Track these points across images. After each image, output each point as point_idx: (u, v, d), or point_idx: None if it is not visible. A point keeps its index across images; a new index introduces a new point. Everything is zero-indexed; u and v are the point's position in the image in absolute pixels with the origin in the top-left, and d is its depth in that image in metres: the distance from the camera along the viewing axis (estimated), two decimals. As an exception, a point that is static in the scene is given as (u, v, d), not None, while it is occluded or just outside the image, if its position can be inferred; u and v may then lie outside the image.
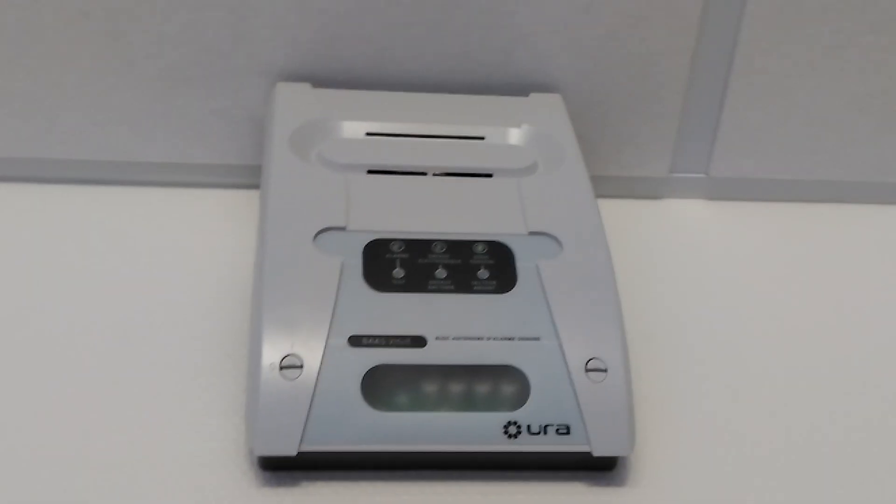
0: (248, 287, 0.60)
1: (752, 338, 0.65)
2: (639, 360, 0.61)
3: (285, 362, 0.52)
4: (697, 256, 0.72)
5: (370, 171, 0.62)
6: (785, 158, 0.75)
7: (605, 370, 0.53)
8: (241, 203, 0.70)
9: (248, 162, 0.71)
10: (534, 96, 0.70)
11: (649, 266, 0.70)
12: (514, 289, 0.56)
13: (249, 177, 0.70)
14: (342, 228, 0.58)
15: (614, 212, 0.73)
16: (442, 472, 0.54)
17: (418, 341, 0.53)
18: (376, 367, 0.52)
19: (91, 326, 0.61)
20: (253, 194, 0.67)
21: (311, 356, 0.52)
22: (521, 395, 0.53)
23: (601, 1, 0.68)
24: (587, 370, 0.53)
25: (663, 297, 0.68)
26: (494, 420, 0.52)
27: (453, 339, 0.54)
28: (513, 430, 0.52)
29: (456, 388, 0.53)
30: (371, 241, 0.57)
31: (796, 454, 0.57)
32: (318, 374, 0.52)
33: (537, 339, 0.54)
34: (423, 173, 0.63)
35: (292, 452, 0.51)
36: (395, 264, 0.56)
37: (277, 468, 0.53)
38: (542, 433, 0.52)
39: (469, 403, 0.53)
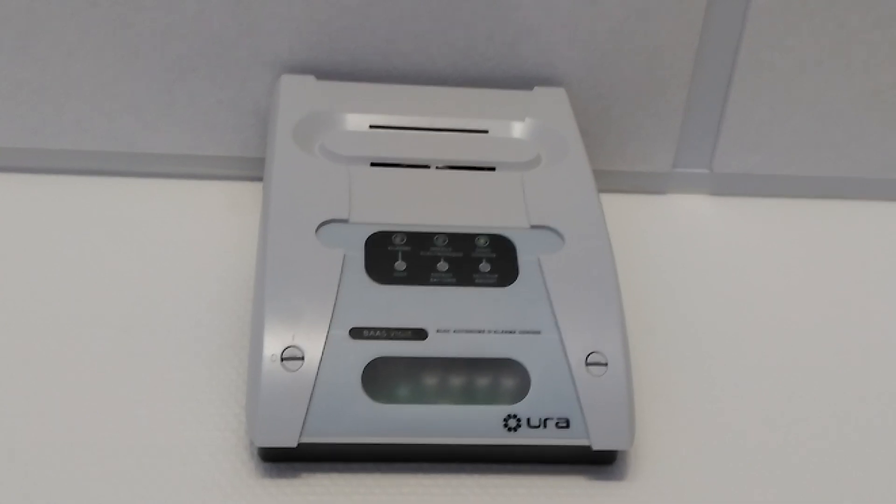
0: (252, 279, 0.60)
1: (754, 333, 0.65)
2: (640, 355, 0.61)
3: (286, 354, 0.52)
4: (700, 252, 0.72)
5: (373, 164, 0.62)
6: (789, 154, 0.75)
7: (606, 364, 0.54)
8: (245, 194, 0.70)
9: (252, 154, 0.71)
10: (538, 90, 0.70)
11: (652, 261, 0.70)
12: (515, 282, 0.56)
13: (254, 169, 0.70)
14: (345, 221, 0.58)
15: (618, 206, 0.73)
16: (441, 464, 0.54)
17: (419, 334, 0.54)
18: (377, 359, 0.53)
19: (95, 316, 0.61)
20: (257, 186, 0.68)
21: (313, 348, 0.52)
22: (522, 388, 0.53)
23: (606, -5, 0.68)
24: (587, 364, 0.54)
25: (666, 291, 0.68)
26: (494, 413, 0.52)
27: (454, 331, 0.54)
28: (512, 423, 0.52)
29: (456, 380, 0.53)
30: (373, 234, 0.57)
31: (796, 449, 0.57)
32: (319, 365, 0.52)
33: (538, 332, 0.54)
34: (427, 166, 0.63)
35: (293, 444, 0.51)
36: (396, 257, 0.56)
37: (278, 459, 0.53)
38: (541, 426, 0.52)
39: (469, 396, 0.53)
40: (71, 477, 0.52)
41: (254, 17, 0.67)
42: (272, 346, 0.52)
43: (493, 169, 0.63)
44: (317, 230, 0.57)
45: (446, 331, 0.54)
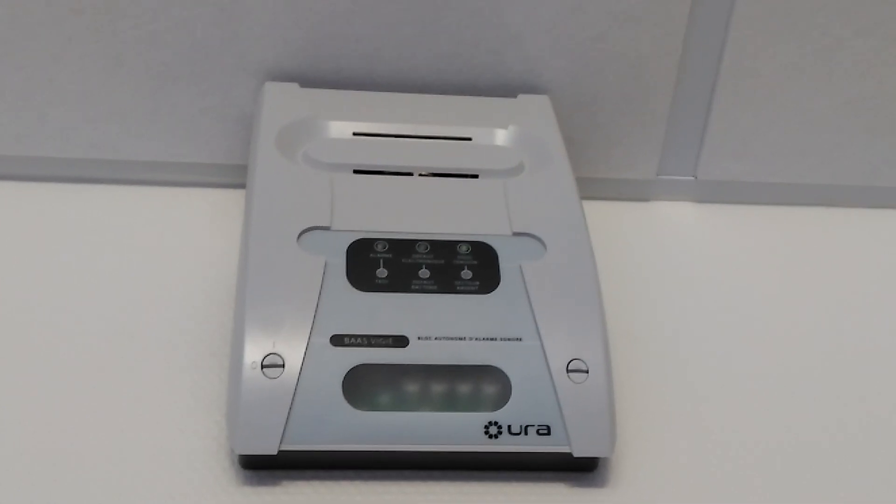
0: (234, 286, 0.60)
1: (737, 340, 0.65)
2: (623, 362, 0.62)
3: (267, 361, 0.52)
4: (685, 259, 0.72)
5: (356, 171, 0.62)
6: (773, 161, 0.75)
7: (587, 371, 0.54)
8: (229, 202, 0.70)
9: (236, 161, 0.71)
10: (522, 97, 0.70)
11: (636, 268, 0.70)
12: (497, 289, 0.56)
13: (238, 176, 0.70)
14: (326, 228, 0.58)
15: (602, 213, 0.73)
16: (423, 471, 0.54)
17: (400, 341, 0.54)
18: (358, 366, 0.53)
19: (76, 323, 0.61)
20: (241, 193, 0.67)
21: (293, 355, 0.52)
22: (503, 395, 0.53)
23: (590, 3, 0.68)
24: (568, 371, 0.54)
25: (650, 299, 0.68)
26: (475, 420, 0.52)
27: (435, 339, 0.54)
28: (493, 430, 0.52)
29: (437, 388, 0.53)
30: (355, 241, 0.57)
31: (777, 456, 0.57)
32: (300, 373, 0.52)
33: (519, 339, 0.54)
34: (409, 174, 0.63)
35: (273, 451, 0.51)
36: (378, 264, 0.56)
37: (258, 467, 0.53)
38: (522, 433, 0.52)
39: (450, 403, 0.53)
40: (51, 483, 0.52)
41: (238, 25, 0.67)
42: (252, 353, 0.52)
43: (476, 176, 0.63)
44: (298, 237, 0.57)
45: (427, 338, 0.54)
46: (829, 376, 0.63)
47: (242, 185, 0.67)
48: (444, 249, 0.58)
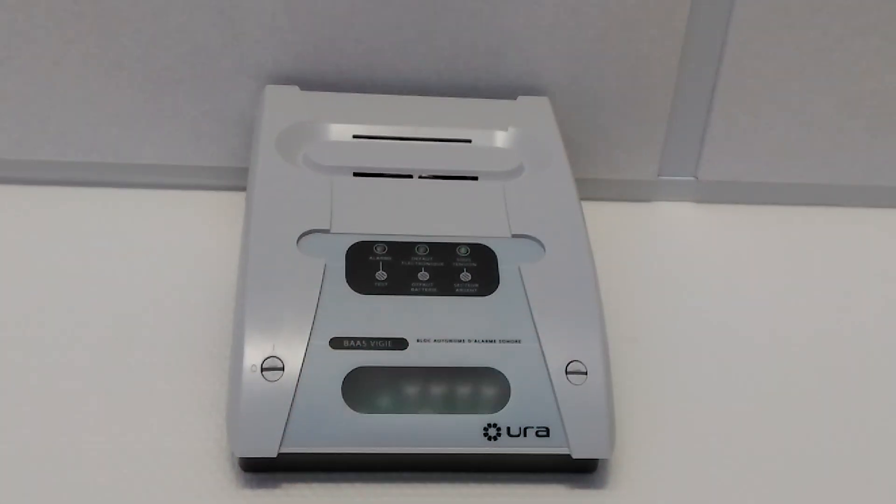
0: (235, 289, 0.60)
1: (738, 341, 0.65)
2: (623, 363, 0.62)
3: (267, 364, 0.52)
4: (686, 259, 0.72)
5: (356, 174, 0.62)
6: (773, 161, 0.75)
7: (586, 373, 0.54)
8: (230, 205, 0.71)
9: (237, 164, 0.71)
10: (521, 99, 0.70)
11: (637, 269, 0.70)
12: (496, 291, 0.56)
13: (239, 179, 0.70)
14: (326, 231, 0.58)
15: (603, 214, 0.73)
16: (422, 473, 0.54)
17: (399, 343, 0.54)
18: (357, 369, 0.53)
19: (77, 325, 0.61)
20: (242, 196, 0.68)
21: (293, 358, 0.53)
22: (502, 397, 0.53)
23: (590, 4, 0.68)
24: (567, 373, 0.54)
25: (650, 299, 0.68)
26: (474, 422, 0.53)
27: (434, 341, 0.54)
28: (492, 432, 0.53)
29: (436, 390, 0.53)
30: (354, 244, 0.57)
31: (776, 457, 0.57)
32: (299, 375, 0.52)
33: (518, 341, 0.54)
34: (409, 176, 0.63)
35: (272, 454, 0.51)
36: (377, 267, 0.57)
37: (258, 469, 0.53)
38: (521, 435, 0.53)
39: (449, 405, 0.53)
40: (52, 485, 0.52)
41: (238, 29, 0.68)
42: (252, 356, 0.52)
43: (475, 178, 0.63)
44: (298, 240, 0.57)
45: (426, 340, 0.54)
46: (829, 377, 0.63)
47: (243, 188, 0.67)
48: (443, 252, 0.58)
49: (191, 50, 0.68)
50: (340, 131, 0.66)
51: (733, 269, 0.71)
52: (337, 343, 0.53)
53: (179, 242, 0.68)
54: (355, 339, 0.54)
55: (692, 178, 0.76)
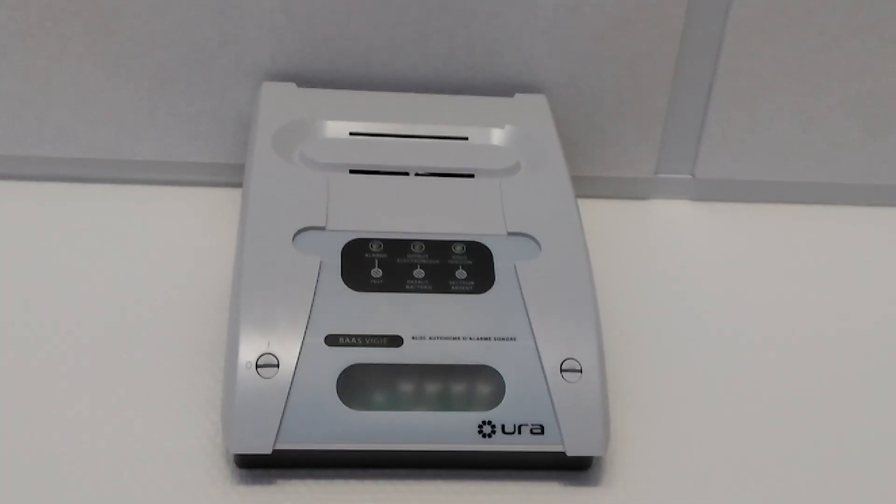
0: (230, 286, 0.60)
1: (734, 339, 0.65)
2: (620, 361, 0.62)
3: (261, 361, 0.52)
4: (682, 257, 0.72)
5: (352, 171, 0.62)
6: (770, 160, 0.75)
7: (580, 371, 0.54)
8: (227, 201, 0.71)
9: (235, 161, 0.71)
10: (519, 97, 0.70)
11: (634, 267, 0.70)
12: (491, 289, 0.56)
13: (236, 175, 0.70)
14: (322, 228, 0.58)
15: (599, 212, 0.73)
16: (417, 470, 0.54)
17: (394, 341, 0.54)
18: (352, 366, 0.53)
19: (72, 321, 0.61)
20: (239, 193, 0.68)
21: (288, 355, 0.53)
22: (497, 394, 0.53)
23: (587, 3, 0.68)
24: (562, 370, 0.54)
25: (647, 297, 0.68)
26: (469, 419, 0.53)
27: (429, 338, 0.54)
28: (487, 429, 0.53)
29: (431, 387, 0.53)
30: (350, 241, 0.57)
31: (772, 456, 0.57)
32: (294, 372, 0.52)
33: (513, 339, 0.54)
34: (406, 173, 0.63)
35: (267, 450, 0.51)
36: (373, 264, 0.57)
37: (253, 466, 0.53)
38: (516, 433, 0.53)
39: (444, 403, 0.53)
40: (46, 482, 0.52)
41: (235, 26, 0.68)
42: (247, 353, 0.53)
43: (471, 176, 0.63)
44: (293, 237, 0.57)
45: (422, 338, 0.54)
46: (825, 375, 0.63)
47: (240, 185, 0.67)
48: (438, 249, 0.58)
49: (188, 47, 0.68)
50: (337, 128, 0.66)
51: (730, 267, 0.71)
52: (332, 340, 0.53)
53: (176, 239, 0.68)
54: (350, 336, 0.54)
55: (689, 176, 0.76)
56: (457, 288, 0.56)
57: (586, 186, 0.73)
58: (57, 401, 0.57)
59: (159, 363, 0.59)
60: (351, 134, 0.65)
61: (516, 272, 0.57)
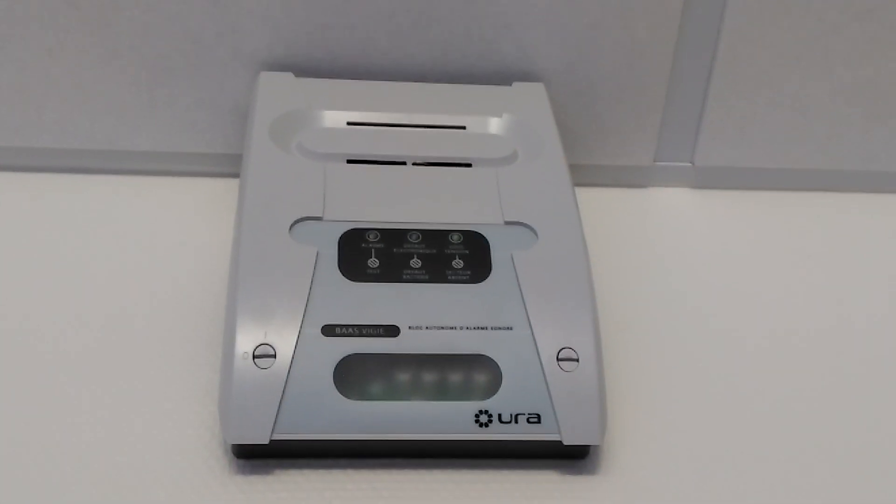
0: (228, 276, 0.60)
1: (734, 328, 0.65)
2: (618, 349, 0.62)
3: (258, 351, 0.53)
4: (682, 245, 0.72)
5: (349, 161, 0.62)
6: (770, 147, 0.75)
7: (577, 360, 0.54)
8: (225, 192, 0.71)
9: (233, 151, 0.71)
10: (517, 85, 0.70)
11: (633, 255, 0.70)
12: (488, 278, 0.56)
13: (234, 165, 0.70)
14: (319, 218, 0.58)
15: (599, 200, 0.73)
16: (414, 460, 0.54)
17: (391, 331, 0.54)
18: (349, 356, 0.53)
19: (71, 312, 0.61)
20: (237, 183, 0.68)
21: (285, 345, 0.53)
22: (493, 384, 0.53)
23: (585, -10, 0.68)
24: (559, 360, 0.54)
25: (646, 286, 0.68)
26: (466, 409, 0.53)
27: (426, 328, 0.54)
28: (484, 418, 0.53)
29: (428, 377, 0.53)
30: (347, 231, 0.58)
31: (768, 446, 0.57)
32: (291, 362, 0.52)
33: (510, 328, 0.54)
34: (403, 163, 0.63)
35: (265, 440, 0.52)
36: (370, 254, 0.57)
37: (250, 456, 0.54)
38: (513, 422, 0.53)
39: (441, 392, 0.53)
40: (44, 475, 0.53)
41: (232, 16, 0.68)
42: (244, 343, 0.53)
43: (469, 165, 0.63)
44: (290, 228, 0.57)
45: (418, 327, 0.54)
46: (825, 363, 0.63)
47: (238, 175, 0.67)
48: (435, 239, 0.58)
49: (185, 38, 0.68)
50: (334, 118, 0.66)
51: (729, 255, 0.71)
52: (329, 330, 0.53)
53: (174, 230, 0.68)
54: (347, 326, 0.54)
55: (688, 164, 0.75)
56: (453, 277, 0.56)
57: (585, 175, 0.73)
58: (54, 391, 0.57)
59: (157, 353, 0.59)
60: (348, 124, 0.65)
61: (513, 261, 0.57)
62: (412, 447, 0.54)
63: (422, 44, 0.69)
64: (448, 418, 0.53)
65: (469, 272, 0.57)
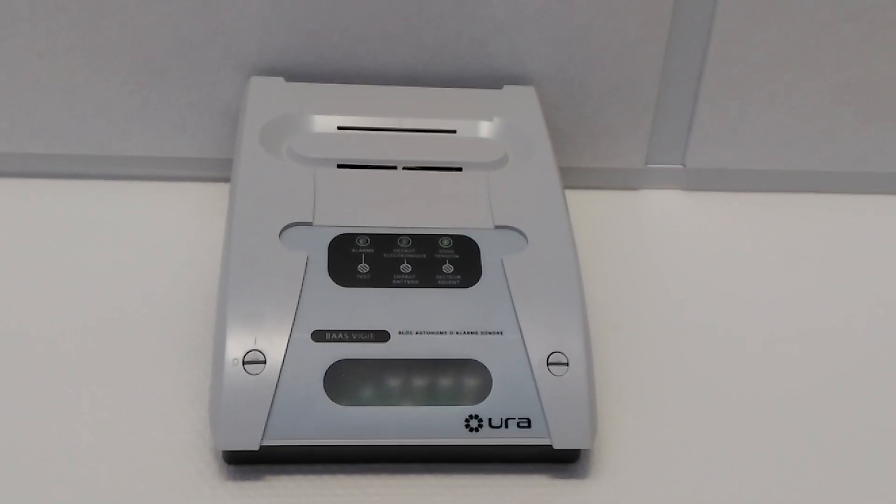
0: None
1: (726, 330, 0.65)
2: (611, 352, 0.62)
3: (248, 357, 0.53)
4: (674, 247, 0.72)
5: (340, 166, 0.62)
6: (761, 149, 0.75)
7: (567, 364, 0.54)
8: (216, 196, 0.70)
9: (224, 155, 0.71)
10: (507, 89, 0.70)
11: (625, 257, 0.70)
12: (478, 283, 0.56)
13: (225, 170, 0.70)
14: (309, 223, 0.58)
15: (591, 203, 0.73)
16: (404, 465, 0.54)
17: (381, 336, 0.54)
18: (339, 361, 0.53)
19: (61, 317, 0.61)
20: (228, 187, 0.68)
21: (275, 351, 0.53)
22: (483, 388, 0.53)
23: (575, -8, 0.68)
24: (549, 364, 0.54)
25: (639, 288, 0.68)
26: (456, 413, 0.53)
27: (416, 333, 0.54)
28: (474, 423, 0.53)
29: (418, 382, 0.53)
30: (337, 236, 0.58)
31: (759, 447, 0.58)
32: (281, 368, 0.52)
33: (500, 333, 0.55)
34: (393, 167, 0.63)
35: (255, 447, 0.52)
36: (360, 259, 0.57)
37: (241, 462, 0.54)
38: (503, 426, 0.53)
39: (431, 397, 0.53)
40: (33, 478, 0.53)
41: (223, 20, 0.68)
42: (234, 349, 0.53)
43: (459, 169, 0.63)
44: (280, 233, 0.57)
45: (408, 332, 0.54)
46: (817, 364, 0.63)
47: (229, 179, 0.67)
48: (425, 243, 0.58)
49: (176, 41, 0.68)
50: (325, 123, 0.66)
51: (721, 257, 0.71)
52: (319, 336, 0.53)
53: (165, 234, 0.68)
54: (337, 331, 0.54)
55: (680, 166, 0.75)
56: (443, 282, 0.56)
57: (577, 177, 0.73)
58: (45, 396, 0.57)
59: (148, 358, 0.59)
60: (339, 128, 0.65)
61: (503, 266, 0.57)
62: (403, 452, 0.54)
63: (412, 48, 0.69)
64: (438, 423, 0.53)
65: (459, 277, 0.57)
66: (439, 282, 0.56)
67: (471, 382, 0.53)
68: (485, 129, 0.66)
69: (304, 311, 0.54)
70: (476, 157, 0.64)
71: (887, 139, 0.75)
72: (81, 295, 0.63)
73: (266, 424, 0.52)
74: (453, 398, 0.53)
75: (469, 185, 0.62)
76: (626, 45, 0.70)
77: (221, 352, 0.53)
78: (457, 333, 0.54)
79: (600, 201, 0.74)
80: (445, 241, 0.58)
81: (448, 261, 0.57)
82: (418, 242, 0.58)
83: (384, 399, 0.53)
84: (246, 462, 0.54)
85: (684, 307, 0.67)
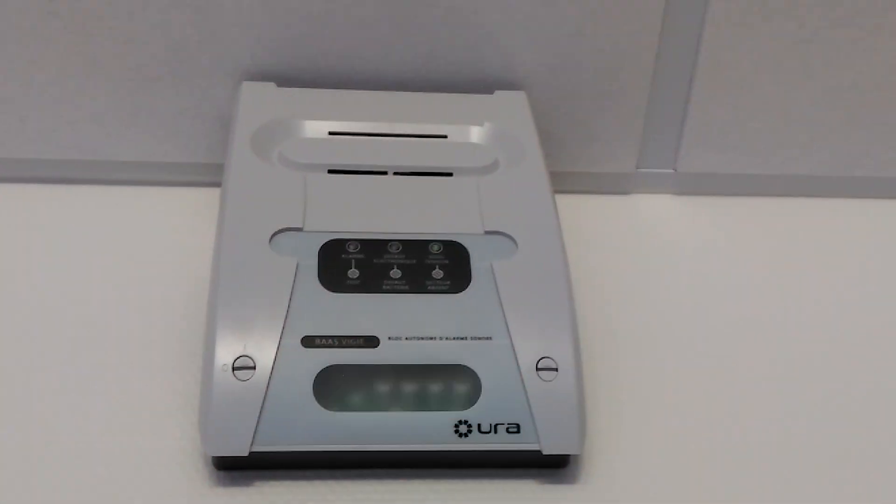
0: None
1: (717, 334, 0.65)
2: (602, 357, 0.62)
3: (238, 363, 0.53)
4: (665, 251, 0.72)
5: (330, 171, 0.62)
6: (752, 153, 0.75)
7: (556, 369, 0.54)
8: (208, 201, 0.70)
9: (215, 160, 0.71)
10: (498, 94, 0.70)
11: (616, 262, 0.70)
12: (467, 289, 0.56)
13: (217, 175, 0.70)
14: (299, 229, 0.58)
15: (581, 207, 0.73)
16: (394, 470, 0.54)
17: (371, 341, 0.54)
18: (329, 367, 0.53)
19: (52, 321, 0.62)
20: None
21: (264, 357, 0.53)
22: (473, 394, 0.53)
23: (566, -2, 0.68)
24: (538, 369, 0.54)
25: (630, 292, 0.68)
26: (445, 419, 0.53)
27: (406, 339, 0.54)
28: (463, 428, 0.53)
29: (408, 387, 0.53)
30: (327, 242, 0.58)
31: (749, 453, 0.58)
32: (271, 374, 0.53)
33: (489, 338, 0.55)
34: (384, 172, 0.63)
35: (244, 452, 0.52)
36: (350, 265, 0.57)
37: (231, 468, 0.54)
38: (492, 432, 0.53)
39: (421, 403, 0.53)
40: (23, 485, 0.53)
41: (215, 25, 0.68)
42: (224, 355, 0.53)
43: (450, 174, 0.63)
44: (270, 239, 0.57)
45: (398, 338, 0.54)
46: (808, 369, 0.63)
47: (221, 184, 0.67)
48: (415, 249, 0.58)
49: (167, 47, 0.68)
50: (316, 128, 0.66)
51: (712, 261, 0.71)
52: (308, 342, 0.54)
53: (157, 240, 0.68)
54: (327, 337, 0.54)
55: (671, 171, 0.76)
56: (433, 288, 0.56)
57: (568, 182, 0.73)
58: (34, 401, 0.57)
59: (138, 364, 0.59)
60: (330, 133, 0.66)
61: (493, 271, 0.57)
62: (392, 458, 0.54)
63: (404, 53, 0.70)
64: (428, 429, 0.53)
65: (449, 282, 0.57)
66: (429, 287, 0.56)
67: (460, 388, 0.54)
68: (475, 134, 0.67)
69: (293, 316, 0.54)
70: (466, 162, 0.64)
71: (877, 144, 0.75)
72: (71, 300, 0.63)
73: (256, 430, 0.52)
74: (443, 404, 0.53)
75: (459, 190, 0.62)
76: (617, 50, 0.70)
77: (211, 357, 0.53)
78: (446, 339, 0.55)
79: (591, 205, 0.75)
80: (435, 247, 0.58)
81: (438, 266, 0.57)
82: (408, 248, 0.58)
83: (374, 405, 0.53)
84: (236, 468, 0.54)
85: (674, 312, 0.67)
